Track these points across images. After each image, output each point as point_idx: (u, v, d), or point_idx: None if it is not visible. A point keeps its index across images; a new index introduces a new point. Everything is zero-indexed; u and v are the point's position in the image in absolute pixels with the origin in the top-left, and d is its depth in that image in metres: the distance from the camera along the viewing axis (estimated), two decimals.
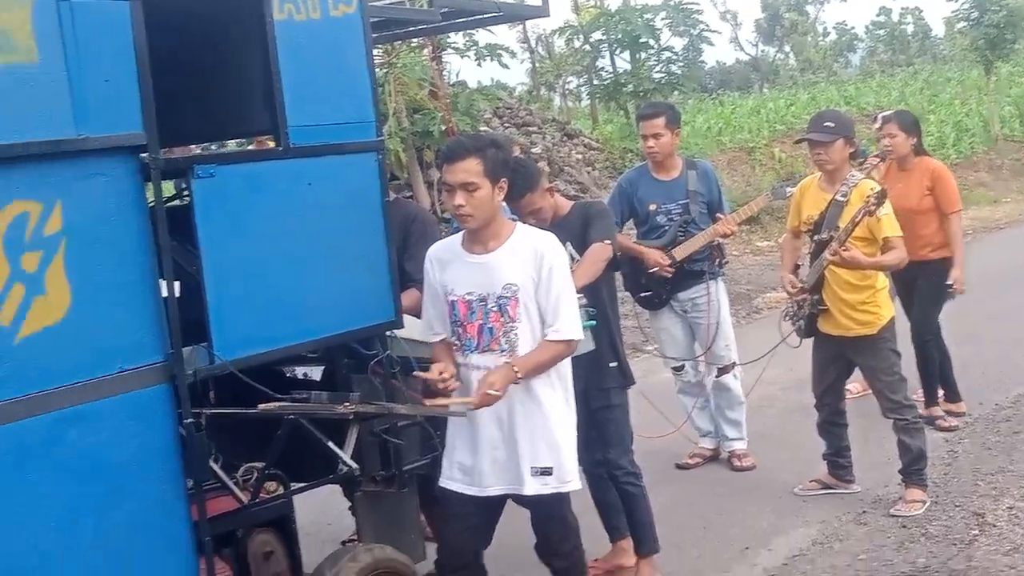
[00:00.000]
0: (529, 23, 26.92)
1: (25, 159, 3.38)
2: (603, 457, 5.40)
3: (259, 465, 4.30)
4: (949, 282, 7.34)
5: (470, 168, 4.17)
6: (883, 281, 6.26)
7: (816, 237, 6.11)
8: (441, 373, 4.18)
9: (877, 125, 7.91)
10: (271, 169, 4.23)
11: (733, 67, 50.85)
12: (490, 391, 4.10)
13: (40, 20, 3.42)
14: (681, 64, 21.80)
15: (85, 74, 3.53)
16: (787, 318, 6.43)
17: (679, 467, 7.25)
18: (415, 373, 4.33)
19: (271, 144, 4.60)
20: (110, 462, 3.61)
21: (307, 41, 4.31)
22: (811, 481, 6.65)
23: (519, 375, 4.17)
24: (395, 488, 4.64)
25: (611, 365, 5.33)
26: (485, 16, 6.63)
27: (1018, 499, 6.21)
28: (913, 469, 6.26)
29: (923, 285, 7.52)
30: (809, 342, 6.46)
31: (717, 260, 6.96)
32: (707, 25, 22.56)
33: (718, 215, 6.84)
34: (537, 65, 31.61)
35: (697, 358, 7.12)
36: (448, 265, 4.38)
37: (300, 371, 4.79)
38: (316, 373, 4.77)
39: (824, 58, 48.03)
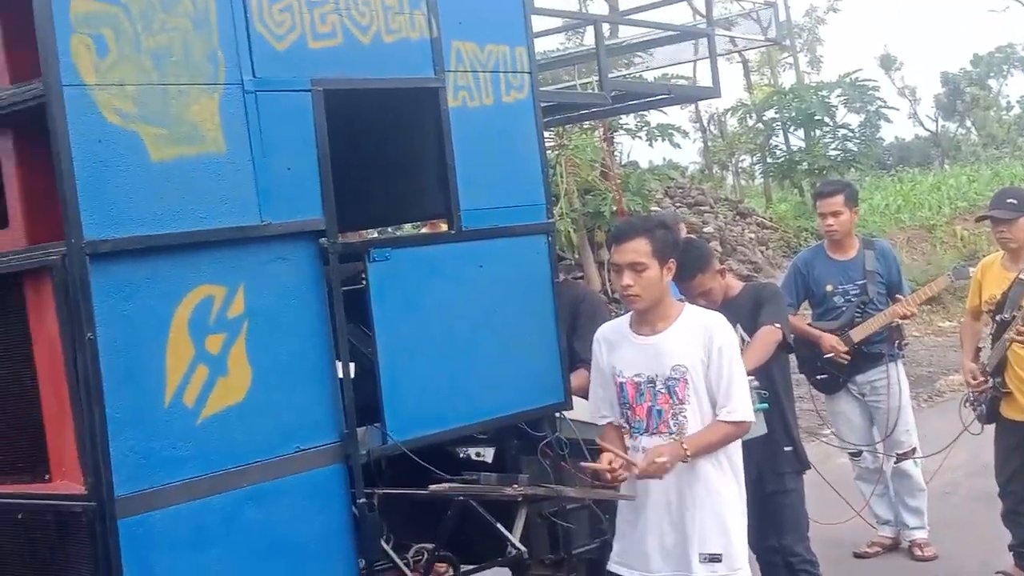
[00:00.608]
0: (701, 103, 26.97)
1: (211, 245, 3.55)
2: (778, 543, 5.27)
3: (429, 546, 4.32)
4: None
5: (639, 248, 4.17)
6: None
7: (998, 317, 5.88)
8: (611, 463, 4.14)
9: None
10: (444, 252, 4.33)
11: (912, 143, 49.73)
12: (657, 459, 4.04)
13: (227, 111, 3.60)
14: (858, 141, 21.44)
15: (269, 162, 3.69)
16: (968, 403, 6.18)
17: (857, 556, 7.00)
18: (584, 464, 4.30)
19: (444, 227, 4.70)
20: (286, 540, 3.69)
21: (480, 126, 4.42)
22: (996, 573, 6.32)
23: (688, 452, 4.11)
24: (564, 572, 4.61)
25: (786, 449, 5.22)
26: (656, 98, 6.70)
27: None
28: None
29: None
30: (992, 427, 6.19)
31: (896, 342, 6.76)
32: (884, 101, 22.22)
33: (897, 296, 6.66)
34: (709, 144, 31.56)
35: (876, 444, 6.89)
36: (616, 346, 4.36)
37: (472, 451, 4.83)
38: (488, 453, 4.80)
39: (1008, 133, 46.49)
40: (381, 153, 4.94)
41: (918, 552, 6.88)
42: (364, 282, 4.07)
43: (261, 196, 3.66)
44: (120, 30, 3.38)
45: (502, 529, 4.31)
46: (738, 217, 19.62)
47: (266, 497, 3.62)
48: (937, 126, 51.01)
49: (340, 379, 3.90)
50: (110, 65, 3.35)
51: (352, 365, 3.99)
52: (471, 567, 4.49)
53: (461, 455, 4.82)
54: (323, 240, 3.85)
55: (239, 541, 3.57)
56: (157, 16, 3.47)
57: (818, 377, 6.89)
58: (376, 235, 7.12)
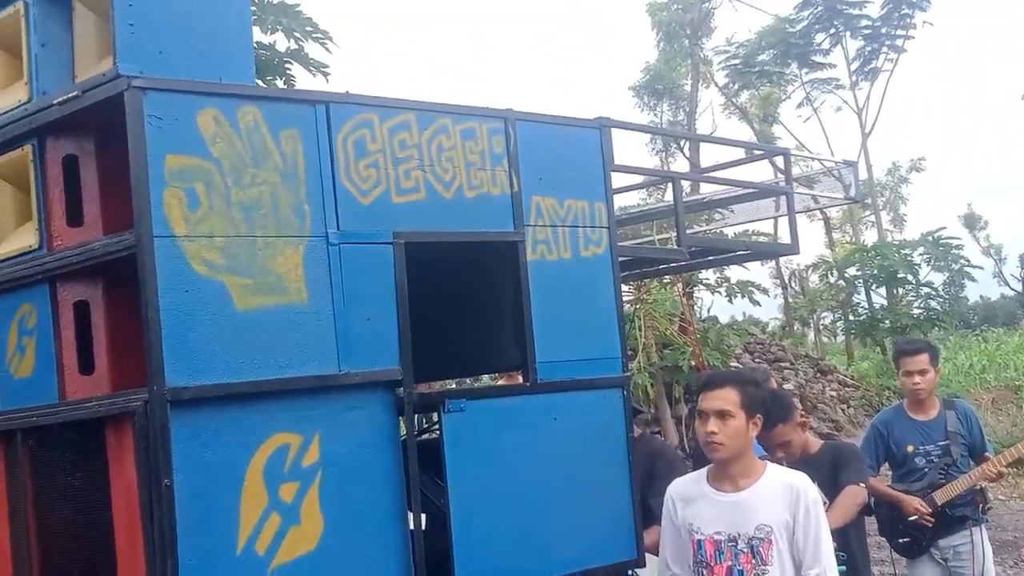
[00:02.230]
0: (782, 259, 26.99)
1: (290, 393, 3.61)
2: None
3: None
4: None
5: (728, 397, 4.14)
6: None
7: None
8: None
9: None
10: (519, 404, 4.34)
11: (997, 302, 49.06)
12: None
13: (311, 263, 3.71)
14: (941, 300, 21.24)
15: (350, 313, 3.76)
16: None
17: None
18: None
19: (520, 379, 4.72)
20: None
21: (558, 280, 4.48)
22: None
23: None
24: None
25: None
26: (733, 254, 6.73)
27: None
28: None
29: None
30: None
31: (981, 505, 6.56)
32: (968, 260, 22.05)
33: (986, 455, 6.49)
34: (790, 300, 31.44)
35: None
36: (693, 501, 4.29)
37: None
38: None
39: None
40: (461, 304, 5.02)
41: None
42: (438, 432, 4.09)
43: (340, 346, 3.72)
44: (211, 184, 3.51)
45: None
46: (819, 375, 19.42)
47: None
48: (1023, 285, 50.33)
49: (411, 530, 3.88)
50: (200, 217, 3.47)
51: (424, 516, 3.99)
52: None
53: None
54: (400, 390, 3.89)
55: None
56: (247, 170, 3.60)
57: (900, 540, 6.69)
58: (454, 385, 7.17)
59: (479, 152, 4.28)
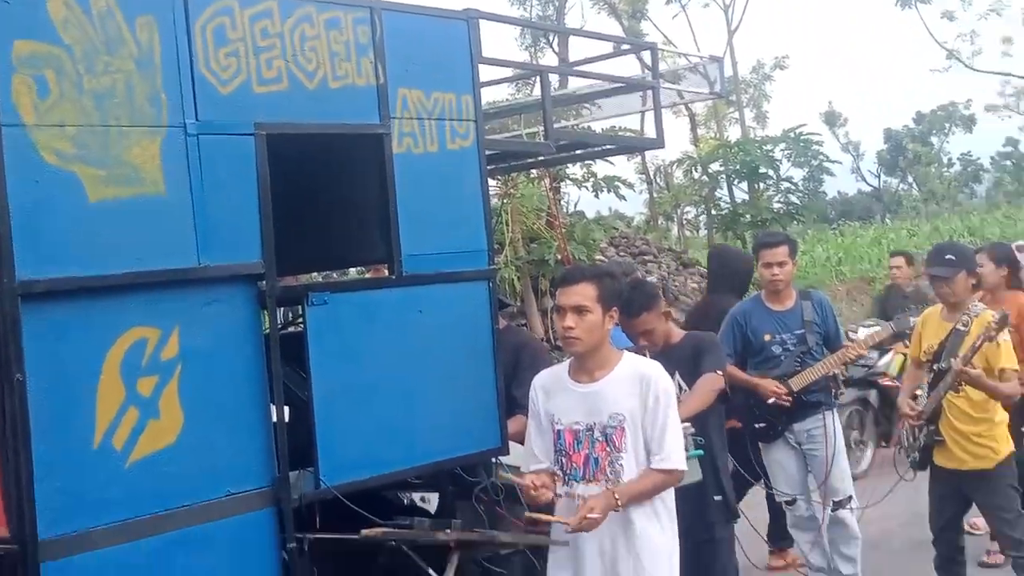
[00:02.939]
0: (648, 154, 27.25)
1: (147, 287, 3.54)
2: None
3: None
4: None
5: (584, 292, 4.20)
6: (1002, 415, 6.06)
7: (935, 367, 5.97)
8: (534, 480, 4.14)
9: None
10: (384, 297, 4.34)
11: (855, 197, 50.55)
12: (590, 515, 4.05)
13: (168, 154, 3.61)
14: (801, 194, 21.75)
15: (209, 206, 3.69)
16: (903, 451, 6.26)
17: None
18: (503, 474, 4.29)
19: (386, 272, 4.72)
20: None
21: (424, 173, 4.45)
22: None
23: (620, 503, 4.12)
24: None
25: (716, 498, 5.26)
26: (600, 148, 6.76)
27: None
28: None
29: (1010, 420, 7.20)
30: (925, 475, 6.26)
31: (834, 391, 6.84)
32: (828, 156, 22.56)
33: (845, 343, 6.74)
34: (655, 195, 31.84)
35: (812, 493, 6.95)
36: (554, 394, 4.38)
37: (417, 496, 4.81)
38: (432, 499, 4.79)
39: (948, 189, 47.43)
40: (326, 197, 4.95)
41: None
42: (302, 326, 4.07)
43: (200, 238, 3.66)
44: (62, 71, 3.39)
45: (433, 575, 4.29)
46: (682, 267, 19.77)
47: (195, 541, 3.59)
48: (879, 181, 51.95)
49: (274, 423, 3.88)
50: (50, 105, 3.35)
51: (287, 409, 3.98)
52: None
53: (405, 501, 4.81)
54: (261, 283, 3.85)
55: None
56: (100, 58, 3.48)
57: (756, 426, 6.93)
58: (320, 279, 7.11)
59: (344, 42, 4.20)
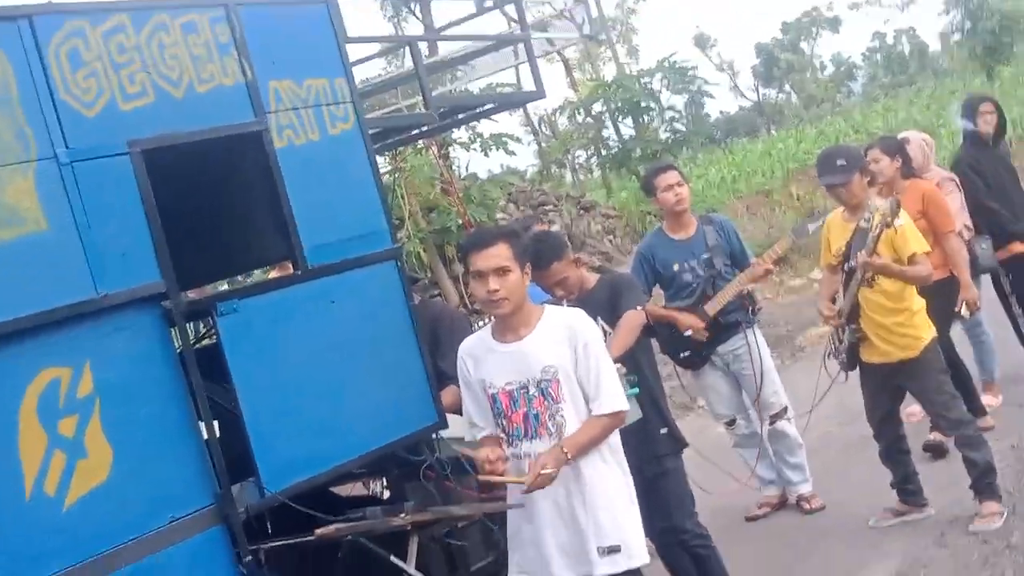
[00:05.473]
0: (530, 106, 27.28)
1: (48, 326, 3.43)
2: (668, 525, 5.33)
3: None
4: (958, 309, 7.14)
5: (501, 253, 4.18)
6: (919, 302, 6.19)
7: (846, 266, 6.07)
8: (488, 455, 4.13)
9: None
10: (294, 294, 4.26)
11: (737, 115, 51.16)
12: (542, 472, 4.06)
13: (44, 188, 3.49)
14: (685, 121, 21.96)
15: (96, 233, 3.58)
16: (830, 355, 6.36)
17: (749, 520, 7.13)
18: (464, 451, 4.28)
19: (291, 269, 4.64)
20: None
21: (310, 163, 4.37)
22: (884, 511, 6.52)
23: (569, 455, 4.13)
24: None
25: (661, 431, 5.29)
26: (482, 108, 6.73)
27: None
28: (984, 483, 6.13)
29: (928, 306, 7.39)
30: (857, 374, 6.38)
31: (750, 308, 6.92)
32: (704, 79, 22.83)
33: (754, 262, 6.81)
34: (544, 145, 31.91)
35: (749, 411, 7.05)
36: (482, 359, 4.36)
37: (378, 486, 4.77)
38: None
39: (826, 91, 48.22)
40: (217, 203, 4.85)
41: (806, 505, 7.04)
42: (215, 337, 3.99)
43: (93, 268, 3.55)
44: None
45: (396, 560, 4.27)
46: (582, 212, 19.88)
47: (148, 574, 3.51)
48: (758, 95, 52.63)
49: (206, 440, 3.80)
50: None
51: (216, 423, 3.91)
52: None
53: (370, 492, 4.77)
54: (166, 303, 3.76)
55: None
56: None
57: (682, 356, 7.00)
58: (227, 287, 6.99)
59: (204, 44, 4.09)
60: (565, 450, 4.12)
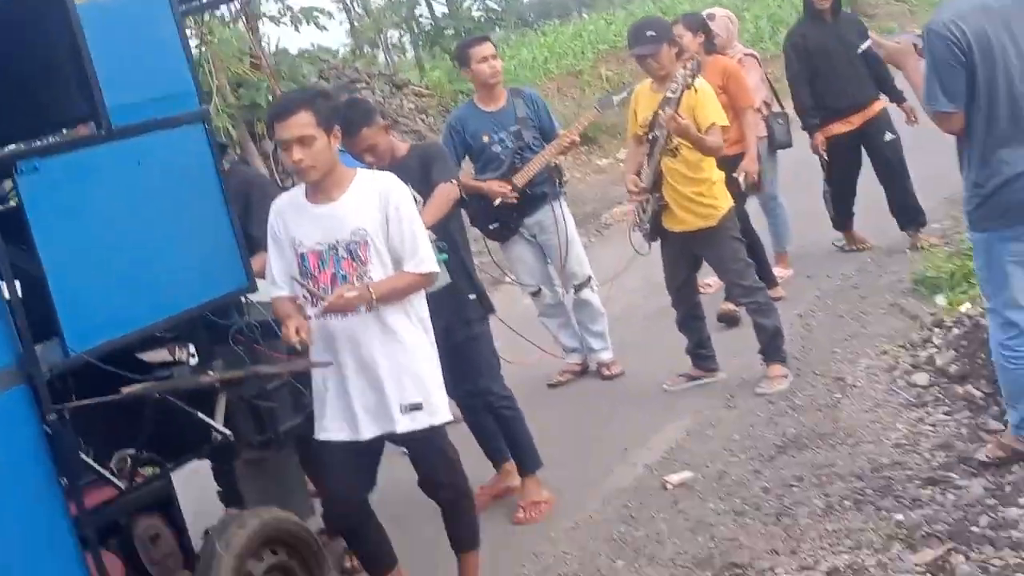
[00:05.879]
0: None
1: None
2: (475, 387, 5.51)
3: (132, 451, 4.27)
4: (736, 174, 7.40)
5: (303, 121, 4.18)
6: (718, 173, 6.45)
7: (650, 136, 6.27)
8: (296, 331, 4.18)
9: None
10: (97, 154, 4.16)
11: None
12: (346, 294, 4.14)
13: None
14: (499, 0, 21.88)
15: None
16: (635, 228, 6.60)
17: (551, 386, 7.42)
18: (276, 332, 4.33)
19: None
20: None
21: (113, 20, 4.26)
22: (678, 376, 6.86)
23: (375, 295, 4.22)
24: (273, 451, 4.66)
25: (470, 297, 5.43)
26: None
27: (874, 359, 6.50)
28: (772, 347, 6.52)
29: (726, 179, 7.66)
30: (659, 247, 6.64)
31: (557, 181, 7.09)
32: None
33: (560, 133, 6.94)
34: (356, 24, 31.29)
35: (554, 281, 7.27)
36: (294, 218, 4.38)
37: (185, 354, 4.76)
38: None
39: None
40: (15, 66, 4.65)
41: (606, 372, 7.36)
42: (16, 198, 3.90)
43: None
44: None
45: (204, 417, 4.30)
46: (395, 89, 19.64)
47: None
48: None
49: (7, 300, 3.73)
50: None
51: (18, 283, 3.83)
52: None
53: (175, 359, 4.76)
54: None
55: None
56: None
57: (490, 227, 7.14)
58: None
59: None
60: (371, 290, 4.20)
